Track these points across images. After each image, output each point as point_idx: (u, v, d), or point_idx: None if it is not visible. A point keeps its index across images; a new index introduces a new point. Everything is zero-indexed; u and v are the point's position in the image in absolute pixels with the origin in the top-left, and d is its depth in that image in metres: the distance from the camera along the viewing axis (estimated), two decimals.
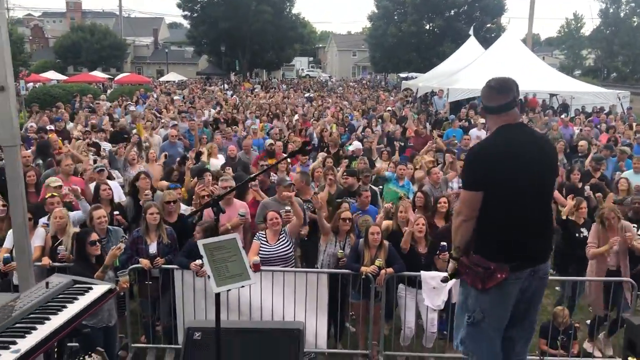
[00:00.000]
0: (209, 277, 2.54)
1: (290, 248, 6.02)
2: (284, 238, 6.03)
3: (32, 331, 1.82)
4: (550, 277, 4.54)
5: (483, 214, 3.28)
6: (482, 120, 16.07)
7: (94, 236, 5.29)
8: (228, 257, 2.56)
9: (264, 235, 6.04)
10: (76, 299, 2.07)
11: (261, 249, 5.93)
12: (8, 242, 5.89)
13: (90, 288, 2.16)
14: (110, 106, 19.37)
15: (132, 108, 17.95)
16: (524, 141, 3.22)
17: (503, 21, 47.67)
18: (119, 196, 7.46)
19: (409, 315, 6.03)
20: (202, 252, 2.55)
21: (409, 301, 6.02)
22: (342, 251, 6.06)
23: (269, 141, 10.51)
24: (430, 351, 6.13)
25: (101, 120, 14.46)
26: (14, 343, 1.75)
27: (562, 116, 17.90)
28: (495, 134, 3.31)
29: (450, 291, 5.82)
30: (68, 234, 5.85)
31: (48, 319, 1.90)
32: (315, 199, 6.48)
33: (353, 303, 6.09)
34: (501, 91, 3.29)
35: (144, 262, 5.72)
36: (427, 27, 48.50)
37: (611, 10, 53.54)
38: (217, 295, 2.61)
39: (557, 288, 7.21)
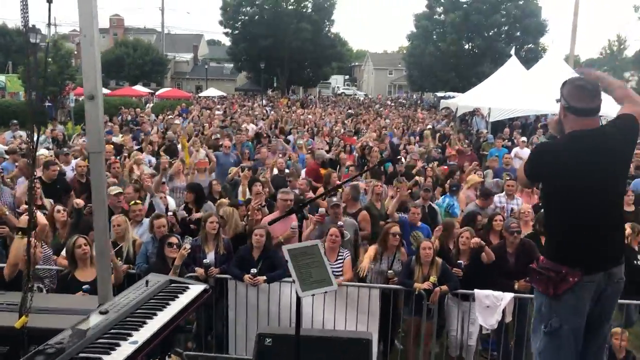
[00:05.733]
0: (293, 281, 2.60)
1: (341, 269, 6.05)
2: (341, 259, 6.07)
3: (144, 325, 1.91)
4: None
5: (551, 215, 3.26)
6: (524, 139, 15.89)
7: (173, 239, 5.57)
8: (311, 263, 2.62)
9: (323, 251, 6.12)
10: (177, 297, 2.15)
11: None
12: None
13: (188, 287, 2.25)
14: (155, 119, 19.83)
15: (177, 122, 18.33)
16: (597, 145, 3.09)
17: (545, 41, 47.18)
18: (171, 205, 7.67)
19: (453, 323, 6.03)
20: (287, 257, 2.61)
21: (454, 309, 6.03)
22: (391, 271, 6.06)
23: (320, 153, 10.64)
24: None
25: (149, 132, 14.87)
26: (130, 335, 1.84)
27: None
28: (569, 136, 3.18)
29: (504, 311, 5.77)
30: (127, 241, 6.03)
31: (155, 314, 1.99)
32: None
33: (405, 319, 6.06)
34: (593, 94, 3.14)
35: (199, 271, 5.83)
36: (467, 47, 48.37)
37: None
38: (299, 300, 2.66)
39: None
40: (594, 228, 3.10)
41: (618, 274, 3.21)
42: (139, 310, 2.03)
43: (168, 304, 2.09)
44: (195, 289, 2.25)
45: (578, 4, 32.12)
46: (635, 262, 6.55)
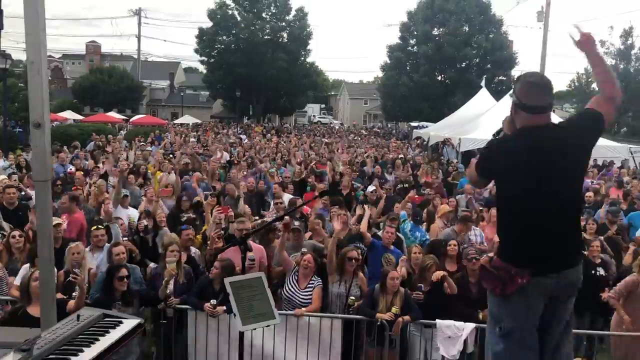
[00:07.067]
0: (234, 315, 2.55)
1: (310, 298, 6.02)
2: (312, 285, 6.05)
3: None
4: None
5: (502, 215, 3.22)
6: None
7: (123, 272, 5.39)
8: (254, 296, 2.57)
9: (296, 277, 6.10)
10: (108, 332, 2.08)
11: (288, 288, 6.04)
12: (19, 279, 5.87)
13: (121, 322, 2.18)
14: (127, 146, 19.66)
15: (148, 148, 18.20)
16: (548, 143, 3.00)
17: (515, 73, 48.35)
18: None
19: (416, 351, 5.99)
20: (228, 289, 2.56)
21: (416, 337, 5.99)
22: (352, 298, 6.03)
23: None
24: None
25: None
26: None
27: None
28: (518, 132, 3.10)
29: (465, 341, 5.74)
30: (84, 268, 5.85)
31: (82, 351, 1.92)
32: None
33: (368, 350, 5.99)
34: (546, 90, 3.04)
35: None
36: (439, 78, 49.30)
37: (621, 67, 54.14)
38: (242, 334, 2.60)
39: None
40: (543, 229, 3.00)
41: (571, 277, 3.09)
42: (65, 347, 1.95)
43: (97, 340, 2.02)
44: (128, 324, 2.18)
45: (546, 37, 33.18)
46: (593, 272, 6.75)
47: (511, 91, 3.25)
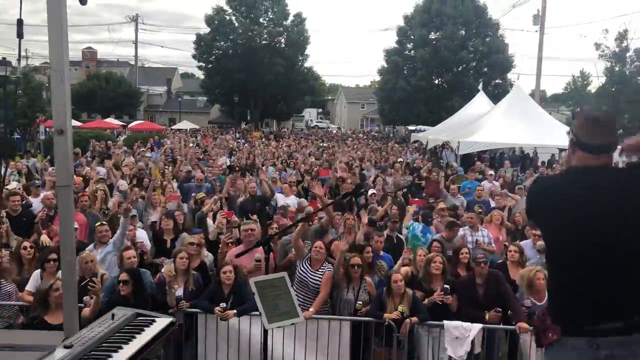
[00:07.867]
0: (260, 314, 2.62)
1: (321, 280, 6.14)
2: (323, 269, 6.19)
3: (109, 359, 1.91)
4: None
5: (546, 257, 2.92)
6: (491, 172, 16.17)
7: (123, 276, 5.46)
8: (278, 295, 2.65)
9: (309, 261, 6.25)
10: (143, 330, 2.16)
11: (301, 270, 6.21)
12: (31, 285, 5.95)
13: (154, 320, 2.26)
14: (127, 151, 19.73)
15: (148, 154, 18.26)
16: (604, 186, 2.55)
17: (511, 77, 48.54)
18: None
19: (424, 351, 6.04)
20: (253, 289, 2.64)
21: (424, 337, 6.04)
22: (360, 303, 6.10)
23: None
24: None
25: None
26: None
27: None
28: (567, 170, 2.79)
29: (473, 342, 5.82)
30: (97, 274, 5.92)
31: (121, 347, 2.00)
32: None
33: (376, 350, 6.06)
34: (607, 129, 2.70)
35: (170, 302, 5.77)
36: (436, 81, 49.39)
37: (617, 69, 54.40)
38: (265, 332, 2.68)
39: None
40: (580, 283, 2.55)
41: (610, 350, 2.44)
42: (104, 344, 2.03)
43: (134, 337, 2.10)
44: (161, 322, 2.26)
45: (542, 40, 33.41)
46: None
47: (568, 129, 2.86)
